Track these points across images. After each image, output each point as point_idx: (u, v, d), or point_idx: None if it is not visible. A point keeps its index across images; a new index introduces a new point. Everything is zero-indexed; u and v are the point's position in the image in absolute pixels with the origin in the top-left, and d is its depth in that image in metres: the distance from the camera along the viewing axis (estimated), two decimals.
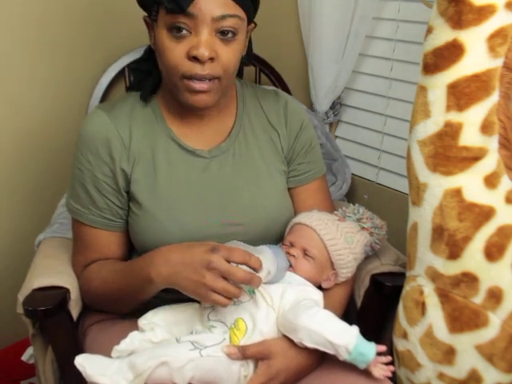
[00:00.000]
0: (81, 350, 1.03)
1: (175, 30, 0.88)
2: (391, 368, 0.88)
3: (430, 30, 0.87)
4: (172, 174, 1.00)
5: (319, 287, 0.99)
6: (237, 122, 1.05)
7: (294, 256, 0.98)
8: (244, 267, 0.84)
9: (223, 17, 0.87)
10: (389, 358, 0.88)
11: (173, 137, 1.01)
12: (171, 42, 0.89)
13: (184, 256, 0.86)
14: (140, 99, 1.02)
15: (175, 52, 0.89)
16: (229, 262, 0.83)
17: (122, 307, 1.02)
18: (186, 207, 0.99)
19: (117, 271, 0.97)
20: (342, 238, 1.00)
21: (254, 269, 0.84)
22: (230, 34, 0.90)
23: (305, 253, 0.98)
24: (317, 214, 1.03)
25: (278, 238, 1.05)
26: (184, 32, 0.88)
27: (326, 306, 0.93)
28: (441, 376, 0.94)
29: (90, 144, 0.97)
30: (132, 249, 1.05)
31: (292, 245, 1.00)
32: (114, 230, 1.01)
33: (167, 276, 0.87)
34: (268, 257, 0.89)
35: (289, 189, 1.11)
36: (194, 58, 0.88)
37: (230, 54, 0.91)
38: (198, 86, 0.91)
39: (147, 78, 1.02)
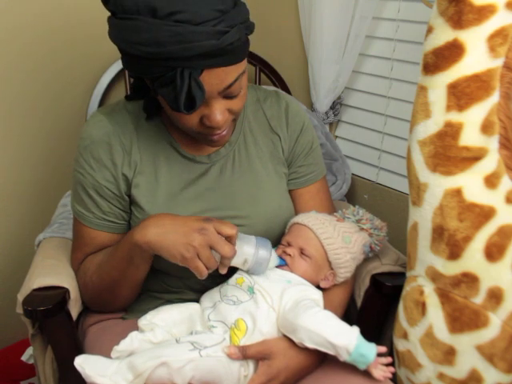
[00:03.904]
0: (80, 350, 1.03)
1: None
2: (391, 369, 0.88)
3: (430, 30, 0.86)
4: (172, 180, 1.00)
5: (318, 287, 0.99)
6: (236, 127, 1.05)
7: (290, 255, 0.98)
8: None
9: (229, 86, 0.84)
10: (389, 359, 0.88)
11: (174, 145, 1.00)
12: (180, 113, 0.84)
13: (175, 221, 0.88)
14: (143, 111, 1.00)
15: (186, 119, 0.87)
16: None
17: (118, 296, 1.01)
18: (186, 211, 0.98)
19: (108, 251, 0.98)
20: (340, 238, 1.00)
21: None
22: (237, 92, 0.87)
23: (301, 252, 0.99)
24: (314, 214, 1.04)
25: (278, 240, 1.05)
26: None
27: (326, 307, 0.93)
28: (441, 376, 0.94)
29: (93, 149, 0.97)
30: None
31: (289, 244, 1.00)
32: (117, 232, 1.01)
33: (153, 235, 0.87)
34: (250, 244, 0.91)
35: (290, 191, 1.11)
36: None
37: (240, 102, 0.89)
38: (216, 137, 0.92)
39: (147, 99, 0.99)
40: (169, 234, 0.86)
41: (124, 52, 0.83)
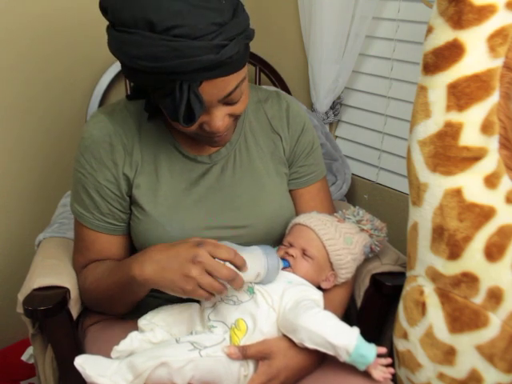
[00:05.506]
0: (81, 350, 1.03)
1: None
2: (391, 370, 0.88)
3: (430, 30, 0.86)
4: (173, 180, 1.00)
5: (319, 288, 0.99)
6: (237, 127, 1.04)
7: (292, 256, 0.98)
8: (229, 265, 0.84)
9: (229, 94, 0.84)
10: (389, 360, 0.88)
11: (175, 145, 1.00)
12: None
13: (169, 253, 0.85)
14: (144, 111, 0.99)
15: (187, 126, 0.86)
16: (214, 257, 0.82)
17: (116, 307, 1.01)
18: (187, 211, 0.99)
19: (108, 269, 0.97)
20: (341, 239, 1.00)
21: (237, 267, 0.83)
22: (237, 98, 0.87)
23: (304, 253, 0.98)
24: (316, 215, 1.04)
25: (279, 240, 1.05)
26: None
27: (327, 307, 0.93)
28: (441, 376, 0.94)
29: (94, 149, 0.96)
30: (134, 252, 1.05)
31: (291, 245, 1.00)
32: (117, 234, 1.01)
33: (151, 273, 0.85)
34: (258, 257, 0.88)
35: (290, 191, 1.11)
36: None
37: (241, 106, 0.89)
38: (217, 138, 0.91)
39: (148, 100, 0.98)
40: (165, 271, 0.83)
41: (123, 64, 0.83)
